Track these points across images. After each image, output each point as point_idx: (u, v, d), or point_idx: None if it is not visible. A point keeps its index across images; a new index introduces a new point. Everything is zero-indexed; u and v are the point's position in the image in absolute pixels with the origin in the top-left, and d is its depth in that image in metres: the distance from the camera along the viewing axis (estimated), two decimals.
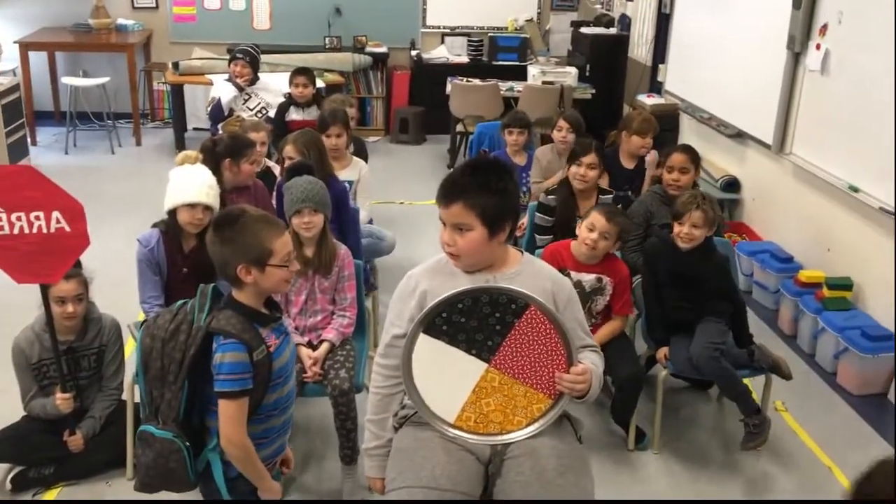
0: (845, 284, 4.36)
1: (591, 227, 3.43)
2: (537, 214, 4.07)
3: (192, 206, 3.13)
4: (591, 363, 2.26)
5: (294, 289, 3.22)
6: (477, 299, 2.14)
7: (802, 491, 3.33)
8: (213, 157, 3.70)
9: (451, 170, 2.29)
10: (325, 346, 3.17)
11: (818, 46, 4.70)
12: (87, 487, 3.17)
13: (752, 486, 3.36)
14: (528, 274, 2.29)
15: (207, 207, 3.16)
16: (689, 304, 3.46)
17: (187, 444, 2.31)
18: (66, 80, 7.60)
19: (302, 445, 3.41)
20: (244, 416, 2.27)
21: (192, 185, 3.15)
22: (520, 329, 2.16)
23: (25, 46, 7.54)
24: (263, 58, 6.51)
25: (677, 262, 3.46)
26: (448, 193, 2.20)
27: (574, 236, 3.55)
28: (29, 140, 7.30)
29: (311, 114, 5.52)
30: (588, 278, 3.49)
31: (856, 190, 4.33)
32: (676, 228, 3.43)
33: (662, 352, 3.50)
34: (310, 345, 3.20)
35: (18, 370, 3.14)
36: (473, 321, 2.15)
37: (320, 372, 3.12)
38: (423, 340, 2.16)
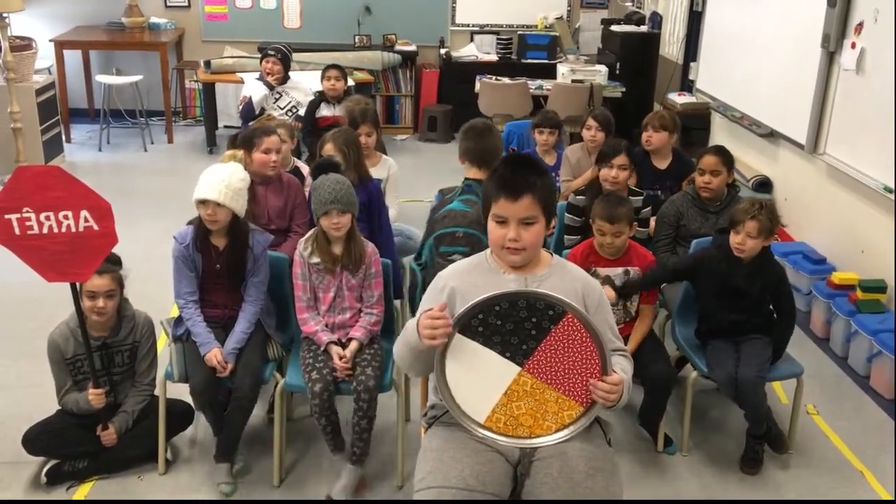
0: (879, 287, 4.29)
1: (602, 231, 3.43)
2: (567, 215, 4.05)
3: (203, 202, 3.16)
4: (621, 370, 2.24)
5: (322, 286, 3.24)
6: (514, 303, 2.14)
7: (834, 495, 3.30)
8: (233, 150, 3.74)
9: (496, 165, 2.30)
10: (353, 345, 3.18)
11: (853, 45, 4.63)
12: (119, 481, 3.21)
13: (782, 490, 3.32)
14: (559, 276, 2.29)
15: (220, 205, 3.15)
16: (735, 314, 3.41)
17: None
18: (100, 78, 7.70)
19: (317, 447, 3.40)
20: None
21: (207, 181, 3.18)
22: (556, 335, 2.15)
23: (60, 45, 7.64)
24: (293, 56, 6.55)
25: (729, 274, 3.38)
26: (517, 187, 2.19)
27: None
28: (64, 137, 7.43)
29: (341, 110, 5.55)
30: (616, 272, 3.48)
31: (890, 191, 4.26)
32: (732, 237, 3.34)
33: None
34: (338, 342, 3.21)
35: (53, 365, 3.18)
36: (510, 324, 2.15)
37: (349, 371, 3.13)
38: (458, 340, 2.16)
